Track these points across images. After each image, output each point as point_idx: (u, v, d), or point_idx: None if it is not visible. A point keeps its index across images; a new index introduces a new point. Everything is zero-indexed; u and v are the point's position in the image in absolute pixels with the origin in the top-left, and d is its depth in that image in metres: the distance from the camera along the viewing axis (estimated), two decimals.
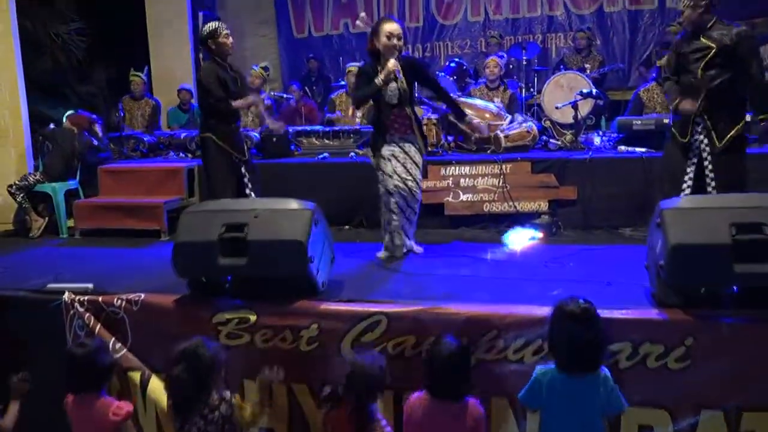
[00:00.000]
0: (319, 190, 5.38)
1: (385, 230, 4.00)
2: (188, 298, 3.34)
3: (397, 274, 3.74)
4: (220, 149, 4.40)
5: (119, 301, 3.38)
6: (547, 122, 6.05)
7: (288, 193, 5.37)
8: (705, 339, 2.71)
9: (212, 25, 4.47)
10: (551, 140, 5.66)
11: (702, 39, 3.72)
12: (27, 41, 7.90)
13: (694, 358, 2.71)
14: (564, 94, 5.89)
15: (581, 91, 5.63)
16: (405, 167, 3.86)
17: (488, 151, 5.44)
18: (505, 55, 6.89)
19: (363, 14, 4.34)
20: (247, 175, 4.55)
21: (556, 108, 5.81)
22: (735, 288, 2.76)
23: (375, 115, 3.97)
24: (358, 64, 6.46)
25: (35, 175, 5.53)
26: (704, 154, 3.78)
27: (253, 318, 3.18)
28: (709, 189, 3.77)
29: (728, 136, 3.69)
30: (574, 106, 5.56)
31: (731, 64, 3.67)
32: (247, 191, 4.54)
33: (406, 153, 3.87)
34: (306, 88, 8.70)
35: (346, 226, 5.28)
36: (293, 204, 3.31)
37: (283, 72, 9.78)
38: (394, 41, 3.65)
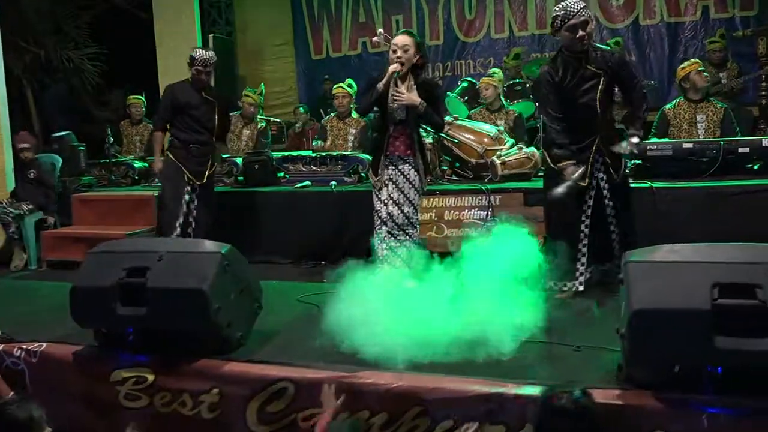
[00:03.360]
0: (296, 221, 5.00)
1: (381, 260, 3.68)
2: (88, 351, 2.95)
3: None
4: (174, 164, 4.51)
5: (19, 351, 3.04)
6: None
7: (260, 225, 5.06)
8: None
9: (193, 53, 4.57)
10: None
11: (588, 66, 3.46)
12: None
13: None
14: None
15: None
16: (403, 192, 3.65)
17: (486, 180, 4.89)
18: (499, 72, 6.21)
19: (380, 30, 4.08)
20: (195, 201, 4.55)
21: None
22: (719, 368, 2.11)
23: (376, 136, 3.86)
24: (343, 84, 6.08)
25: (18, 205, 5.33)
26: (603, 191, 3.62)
27: (150, 378, 2.77)
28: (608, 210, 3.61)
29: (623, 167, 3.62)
30: None
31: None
32: (190, 219, 4.52)
33: (405, 177, 3.67)
34: (321, 109, 8.37)
35: (323, 262, 4.81)
36: (204, 245, 2.90)
37: (301, 94, 9.50)
38: (399, 53, 3.58)
